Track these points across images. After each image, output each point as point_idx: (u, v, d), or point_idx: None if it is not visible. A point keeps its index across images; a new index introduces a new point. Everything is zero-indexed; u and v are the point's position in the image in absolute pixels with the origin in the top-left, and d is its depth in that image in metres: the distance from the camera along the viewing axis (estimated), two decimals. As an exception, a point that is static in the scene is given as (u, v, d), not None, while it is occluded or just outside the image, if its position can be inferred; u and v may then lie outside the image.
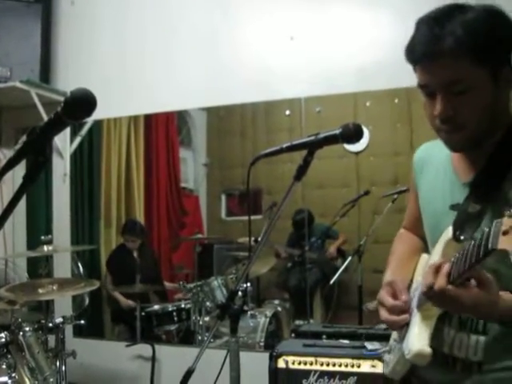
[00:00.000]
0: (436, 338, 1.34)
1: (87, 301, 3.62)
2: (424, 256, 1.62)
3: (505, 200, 1.25)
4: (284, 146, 1.43)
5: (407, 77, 2.98)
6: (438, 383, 1.42)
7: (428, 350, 1.29)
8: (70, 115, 1.01)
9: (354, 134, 1.35)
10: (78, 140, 3.74)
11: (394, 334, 1.59)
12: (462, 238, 1.28)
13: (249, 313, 3.37)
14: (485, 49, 1.22)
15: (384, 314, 1.44)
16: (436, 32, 1.23)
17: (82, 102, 1.01)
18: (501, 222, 1.00)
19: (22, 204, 3.79)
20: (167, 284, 3.83)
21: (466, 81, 1.24)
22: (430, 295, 1.19)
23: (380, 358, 2.34)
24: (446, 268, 1.17)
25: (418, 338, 1.32)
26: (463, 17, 1.23)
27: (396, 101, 3.20)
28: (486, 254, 1.03)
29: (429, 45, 1.24)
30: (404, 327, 1.42)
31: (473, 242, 1.08)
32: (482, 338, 1.31)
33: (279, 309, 3.50)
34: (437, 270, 1.17)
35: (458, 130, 1.28)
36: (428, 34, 1.25)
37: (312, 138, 1.37)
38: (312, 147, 1.37)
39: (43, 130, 1.03)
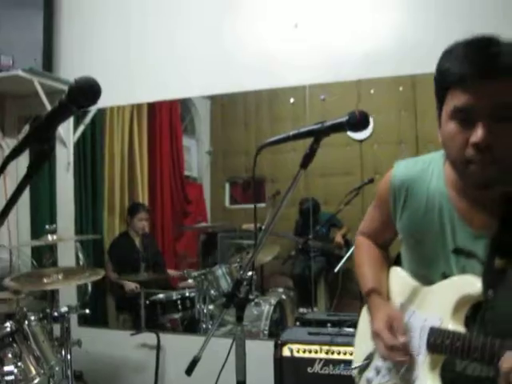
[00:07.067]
0: (447, 364, 1.35)
1: (90, 290, 3.63)
2: (397, 271, 1.62)
3: None
4: (291, 133, 1.41)
5: (412, 64, 3.02)
6: None
7: None
8: (75, 103, 1.01)
9: (360, 122, 1.32)
10: (81, 129, 3.73)
11: (365, 349, 1.60)
12: (490, 295, 1.27)
13: (253, 301, 3.38)
14: None
15: (383, 349, 1.43)
16: (491, 52, 1.17)
17: (87, 90, 1.01)
18: None
19: (26, 194, 3.79)
20: (170, 271, 3.82)
21: None
22: None
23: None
24: None
25: None
26: (510, 44, 1.19)
27: (400, 88, 3.18)
28: None
29: (484, 62, 1.16)
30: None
31: None
32: None
33: (283, 297, 3.50)
34: None
35: (493, 162, 1.19)
36: (480, 52, 1.18)
37: (319, 125, 1.35)
38: (318, 135, 1.35)
39: (48, 118, 1.02)
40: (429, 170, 1.43)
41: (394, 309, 1.51)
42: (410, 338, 1.42)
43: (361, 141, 3.28)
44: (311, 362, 2.52)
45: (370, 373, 1.58)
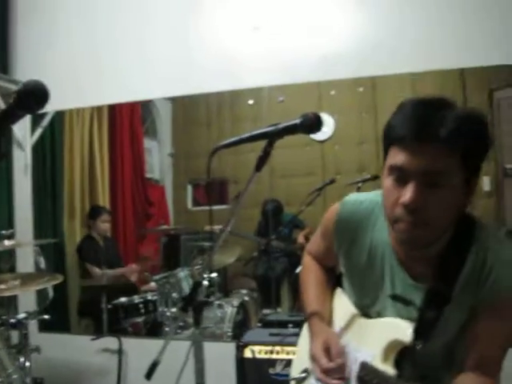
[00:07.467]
0: None
1: (51, 295, 3.56)
2: (341, 295, 1.65)
3: (459, 305, 1.28)
4: (244, 136, 1.40)
5: (372, 66, 3.05)
6: None
7: None
8: (22, 107, 0.99)
9: (313, 124, 1.32)
10: (39, 131, 3.66)
11: (304, 362, 1.60)
12: (418, 347, 1.28)
13: (216, 303, 3.37)
14: (472, 152, 1.19)
15: (318, 372, 1.43)
16: (437, 117, 1.15)
17: (34, 94, 1.00)
18: None
19: (-18, 197, 3.70)
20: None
21: (447, 175, 1.17)
22: None
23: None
24: None
25: None
26: (458, 113, 1.18)
27: (361, 90, 3.22)
28: None
29: (425, 126, 1.15)
30: None
31: None
32: None
33: (246, 298, 3.50)
34: None
35: (421, 225, 1.20)
36: (425, 116, 1.17)
37: (272, 128, 1.34)
38: (272, 137, 1.34)
39: (-3, 121, 1.01)
40: (373, 215, 1.43)
41: (332, 333, 1.53)
42: (345, 363, 1.44)
43: (322, 141, 3.30)
44: (273, 362, 2.53)
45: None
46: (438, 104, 1.20)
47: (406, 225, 1.21)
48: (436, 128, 1.14)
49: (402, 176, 1.20)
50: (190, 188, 3.74)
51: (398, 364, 1.35)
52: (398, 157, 1.20)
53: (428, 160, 1.16)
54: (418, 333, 1.30)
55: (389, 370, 1.34)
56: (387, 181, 1.24)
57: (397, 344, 1.35)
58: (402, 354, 1.34)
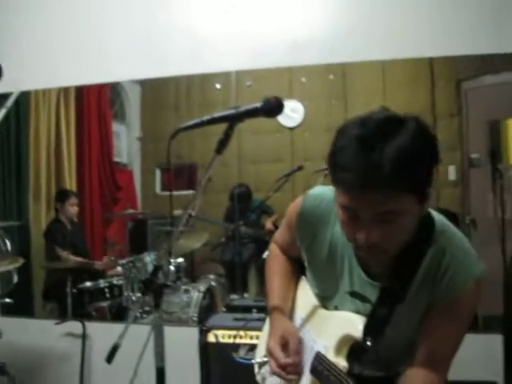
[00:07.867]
0: None
1: (15, 278, 3.50)
2: (305, 285, 1.67)
3: (414, 303, 1.31)
4: (205, 118, 1.38)
5: (342, 53, 3.04)
6: None
7: None
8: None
9: (274, 108, 1.30)
10: (3, 112, 3.59)
11: (263, 349, 1.62)
12: (368, 343, 1.30)
13: (182, 288, 3.36)
14: (419, 176, 1.16)
15: (274, 366, 1.45)
16: (373, 158, 1.10)
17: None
18: None
19: None
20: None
21: (399, 210, 1.16)
22: None
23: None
24: None
25: None
26: (399, 140, 1.12)
27: (331, 77, 3.22)
28: None
29: (365, 173, 1.11)
30: None
31: None
32: None
33: (213, 283, 3.50)
34: None
35: (379, 252, 1.24)
36: (362, 158, 1.12)
37: (233, 110, 1.33)
38: (233, 120, 1.33)
39: None
40: (335, 210, 1.39)
41: (291, 328, 1.54)
42: (301, 358, 1.47)
43: (292, 128, 3.30)
44: (236, 347, 2.54)
45: (266, 371, 1.63)
46: (382, 134, 1.13)
47: (367, 253, 1.26)
48: (376, 171, 1.10)
49: (352, 214, 1.20)
50: (158, 172, 3.71)
51: (351, 358, 1.37)
52: (344, 198, 1.20)
53: (374, 205, 1.15)
54: (368, 329, 1.33)
55: (341, 362, 1.36)
56: (340, 213, 1.25)
57: (349, 338, 1.37)
58: (354, 349, 1.37)
